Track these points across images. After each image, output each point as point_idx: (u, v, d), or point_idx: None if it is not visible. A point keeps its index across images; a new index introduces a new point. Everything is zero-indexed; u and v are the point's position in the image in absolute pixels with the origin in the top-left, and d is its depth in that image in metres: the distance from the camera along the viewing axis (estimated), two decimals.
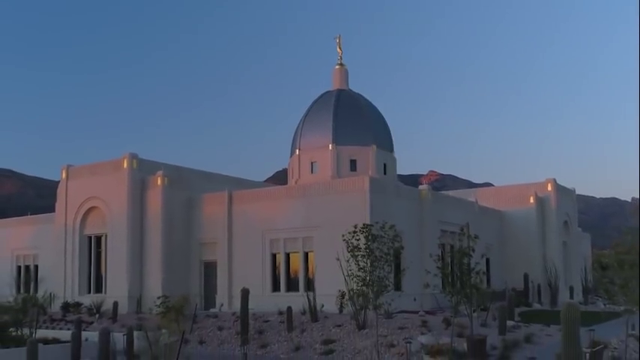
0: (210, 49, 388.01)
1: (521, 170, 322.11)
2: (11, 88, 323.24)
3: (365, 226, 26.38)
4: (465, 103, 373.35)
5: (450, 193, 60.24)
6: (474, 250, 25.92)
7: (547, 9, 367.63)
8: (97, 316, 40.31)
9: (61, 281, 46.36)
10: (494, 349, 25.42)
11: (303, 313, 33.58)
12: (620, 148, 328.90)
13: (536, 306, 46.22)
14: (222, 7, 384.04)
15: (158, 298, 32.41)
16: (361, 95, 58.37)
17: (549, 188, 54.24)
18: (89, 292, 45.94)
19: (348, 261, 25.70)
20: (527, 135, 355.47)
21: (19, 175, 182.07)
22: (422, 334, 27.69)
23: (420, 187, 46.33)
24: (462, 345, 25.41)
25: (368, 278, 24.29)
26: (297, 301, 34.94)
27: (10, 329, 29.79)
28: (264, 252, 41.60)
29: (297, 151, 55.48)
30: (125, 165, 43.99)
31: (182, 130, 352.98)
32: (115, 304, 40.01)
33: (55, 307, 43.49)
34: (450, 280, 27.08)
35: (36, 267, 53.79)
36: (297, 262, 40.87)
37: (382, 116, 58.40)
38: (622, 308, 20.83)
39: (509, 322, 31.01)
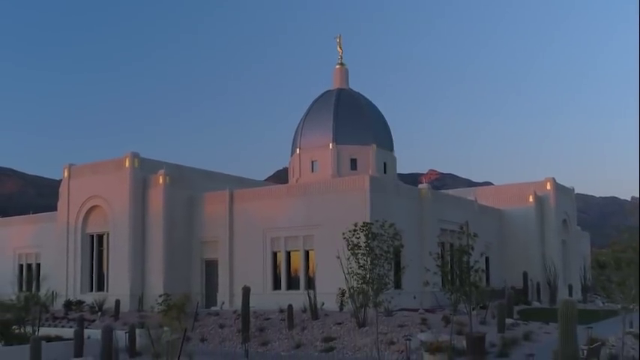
0: (211, 48, 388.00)
1: (521, 169, 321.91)
2: (12, 87, 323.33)
3: (365, 224, 26.56)
4: (465, 102, 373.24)
5: (450, 191, 60.43)
6: (473, 249, 26.14)
7: (546, 8, 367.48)
8: (99, 314, 40.55)
9: (63, 279, 46.54)
10: (493, 347, 25.62)
11: (304, 310, 33.80)
12: (619, 147, 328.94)
13: (536, 304, 46.42)
14: (222, 7, 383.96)
15: (160, 296, 32.67)
16: (361, 94, 58.51)
17: (548, 187, 54.44)
18: (91, 290, 46.07)
19: (348, 259, 25.90)
20: (527, 134, 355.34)
21: (20, 174, 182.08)
22: (421, 331, 27.87)
23: (420, 185, 46.51)
24: (462, 342, 25.64)
25: (368, 276, 24.48)
26: (297, 299, 35.22)
27: (14, 327, 30.06)
28: (265, 250, 41.78)
29: (298, 150, 55.64)
30: (127, 164, 44.13)
31: (183, 129, 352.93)
32: (117, 302, 40.26)
33: (58, 305, 43.75)
34: (449, 278, 27.33)
35: (38, 265, 53.87)
36: (297, 260, 41.04)
37: (382, 115, 58.56)
38: (619, 306, 21.02)
39: (508, 320, 31.16)
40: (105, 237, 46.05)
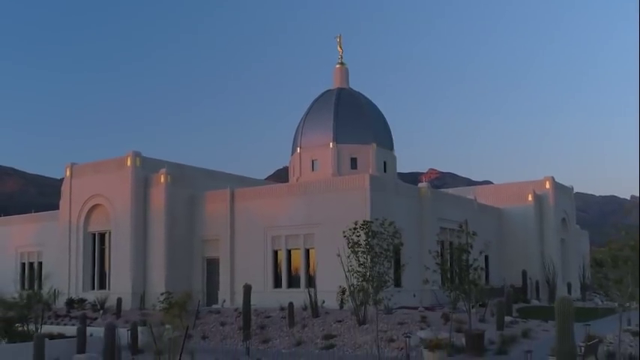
0: (212, 48, 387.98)
1: (520, 168, 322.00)
2: (13, 86, 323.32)
3: (365, 222, 26.78)
4: (465, 101, 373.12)
5: (450, 190, 60.63)
6: (472, 247, 26.44)
7: (545, 7, 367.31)
8: (101, 312, 40.70)
9: (65, 278, 46.74)
10: (492, 344, 25.83)
11: (305, 308, 34.05)
12: (619, 146, 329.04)
13: (535, 302, 46.61)
14: (223, 7, 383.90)
15: (161, 294, 32.93)
16: (361, 94, 58.68)
17: (547, 186, 54.71)
18: (93, 288, 46.29)
19: (348, 257, 26.12)
20: (527, 133, 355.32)
21: (21, 173, 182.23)
22: (421, 329, 27.97)
23: (420, 184, 46.71)
24: (461, 340, 25.90)
25: (368, 274, 24.70)
26: (298, 297, 35.46)
27: (17, 325, 30.26)
28: (266, 249, 42.00)
29: (298, 149, 55.84)
30: (129, 163, 44.36)
31: (184, 128, 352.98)
32: (119, 300, 40.46)
33: (60, 304, 43.97)
34: (448, 276, 27.62)
35: (40, 264, 54.07)
36: (298, 258, 41.26)
37: (382, 115, 58.75)
38: (616, 304, 21.24)
39: (507, 318, 31.34)
40: (107, 235, 46.28)
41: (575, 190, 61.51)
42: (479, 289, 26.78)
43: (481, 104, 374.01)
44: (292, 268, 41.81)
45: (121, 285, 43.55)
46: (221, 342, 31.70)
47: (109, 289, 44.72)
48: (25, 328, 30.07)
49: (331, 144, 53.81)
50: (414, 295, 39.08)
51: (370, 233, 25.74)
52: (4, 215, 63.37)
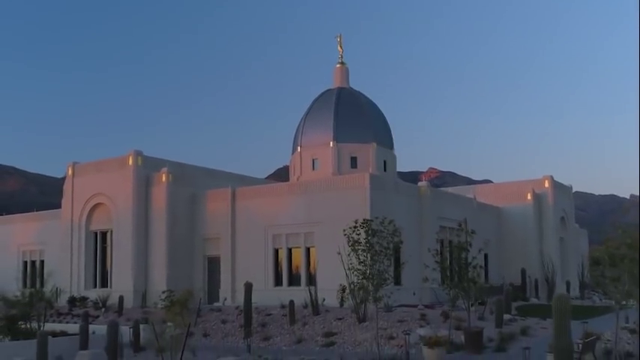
0: (213, 47, 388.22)
1: (520, 167, 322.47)
2: (14, 86, 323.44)
3: (365, 221, 27.00)
4: (465, 100, 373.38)
5: (449, 189, 60.86)
6: (471, 245, 26.67)
7: (545, 7, 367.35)
8: (103, 310, 40.91)
9: (67, 276, 46.92)
10: (490, 341, 26.00)
11: (305, 306, 34.24)
12: (618, 145, 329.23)
13: (534, 300, 46.83)
14: (223, 6, 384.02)
15: (163, 292, 33.10)
16: (362, 93, 58.85)
17: (546, 185, 54.94)
18: (95, 286, 46.52)
19: (349, 255, 26.34)
20: (527, 132, 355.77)
21: (22, 172, 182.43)
22: (420, 326, 28.17)
23: (419, 183, 46.94)
24: (460, 337, 26.13)
25: (368, 272, 24.90)
26: (298, 295, 35.63)
27: (19, 322, 30.51)
28: (267, 247, 42.21)
29: (299, 148, 56.03)
30: (130, 162, 44.60)
31: (185, 128, 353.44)
32: (121, 298, 40.65)
33: (62, 302, 44.11)
34: (448, 274, 27.84)
35: (42, 262, 54.20)
36: (298, 257, 41.49)
37: (382, 114, 58.92)
38: (614, 302, 21.44)
39: (506, 316, 31.56)
40: (108, 234, 46.51)
41: (575, 190, 61.74)
42: (478, 287, 26.97)
43: (481, 103, 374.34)
44: (293, 266, 42.02)
45: (122, 283, 43.78)
46: (222, 339, 31.86)
47: (110, 287, 44.97)
48: (28, 326, 30.33)
49: (331, 143, 54.01)
50: (414, 293, 39.31)
51: (370, 232, 25.93)
52: (5, 214, 63.56)
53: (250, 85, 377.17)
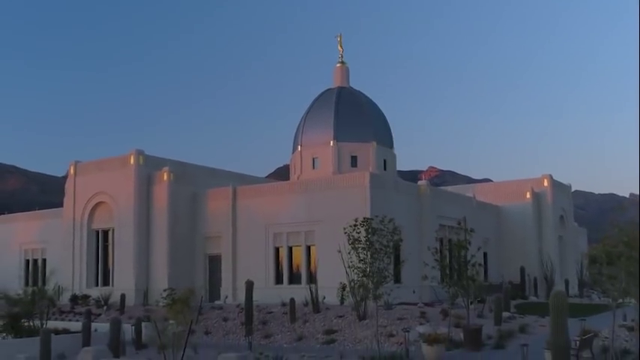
0: (214, 47, 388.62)
1: (520, 166, 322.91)
2: (14, 85, 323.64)
3: (365, 219, 27.24)
4: (464, 100, 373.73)
5: (449, 188, 61.11)
6: (470, 243, 26.91)
7: (544, 6, 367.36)
8: (105, 308, 41.10)
9: (69, 274, 47.05)
10: (489, 339, 26.17)
11: (306, 304, 34.40)
12: (618, 144, 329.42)
13: (533, 299, 47.03)
14: (224, 6, 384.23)
15: (164, 290, 33.27)
16: (362, 93, 59.04)
17: (545, 184, 55.10)
18: (97, 284, 46.69)
19: (349, 253, 26.58)
20: (527, 131, 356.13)
21: (23, 170, 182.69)
22: (420, 324, 28.31)
23: (419, 182, 47.16)
24: (459, 335, 26.36)
25: (368, 269, 25.16)
26: (299, 293, 35.77)
27: (22, 320, 30.79)
28: (268, 245, 42.43)
29: (299, 147, 56.24)
30: (132, 161, 44.78)
31: (186, 127, 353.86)
32: (123, 297, 40.91)
33: (64, 300, 44.31)
34: (447, 272, 28.07)
35: (44, 261, 54.41)
36: (299, 255, 41.69)
37: (382, 113, 59.13)
38: (609, 300, 21.64)
39: (505, 314, 31.67)
40: (110, 233, 46.67)
41: (575, 188, 61.95)
42: (477, 285, 27.18)
43: (481, 103, 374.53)
44: (293, 264, 42.22)
45: (124, 281, 43.98)
46: (224, 337, 32.11)
47: (112, 285, 45.14)
48: (31, 324, 30.63)
49: (332, 142, 54.24)
50: (414, 291, 39.50)
51: (370, 230, 26.18)
52: (5, 213, 63.74)
53: (251, 84, 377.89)
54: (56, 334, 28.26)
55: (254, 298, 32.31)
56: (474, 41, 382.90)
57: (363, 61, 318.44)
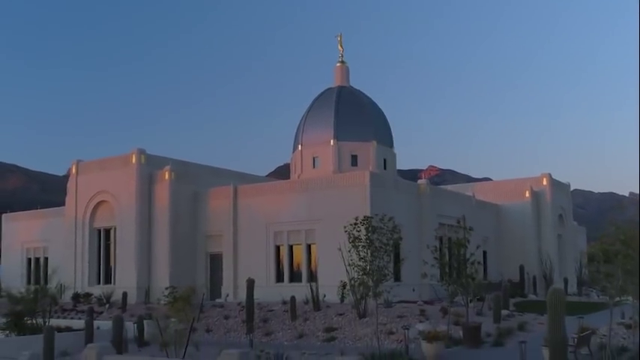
0: (214, 46, 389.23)
1: (520, 165, 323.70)
2: (16, 84, 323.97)
3: (366, 218, 27.48)
4: (464, 99, 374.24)
5: (449, 187, 61.27)
6: (469, 242, 27.16)
7: (543, 6, 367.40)
8: (107, 305, 41.34)
9: (71, 273, 47.32)
10: (488, 336, 26.43)
11: (306, 302, 34.62)
12: (618, 142, 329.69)
13: (532, 297, 47.18)
14: (225, 6, 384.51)
15: (166, 288, 33.49)
16: (362, 92, 59.23)
17: (544, 183, 55.24)
18: (99, 283, 46.94)
19: (349, 251, 26.81)
20: (527, 130, 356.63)
21: (24, 169, 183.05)
22: (420, 322, 28.53)
23: (419, 181, 47.37)
24: (458, 332, 26.60)
25: (368, 267, 25.37)
26: (300, 291, 36.02)
27: (25, 318, 31.06)
28: (268, 244, 42.64)
29: (300, 146, 56.44)
30: (133, 160, 44.98)
31: (187, 126, 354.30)
32: (124, 295, 41.08)
33: (66, 298, 44.64)
34: (447, 270, 28.31)
35: (46, 259, 54.62)
36: (299, 253, 41.89)
37: (382, 112, 59.32)
38: (607, 298, 21.86)
39: (504, 312, 31.86)
40: (112, 231, 46.91)
41: (575, 187, 62.24)
42: (476, 284, 27.41)
43: (480, 102, 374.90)
44: (294, 263, 42.44)
45: (126, 280, 44.20)
46: (225, 335, 32.36)
47: (114, 283, 45.36)
48: (34, 322, 30.89)
49: (332, 141, 54.45)
50: (413, 290, 39.69)
51: (370, 228, 26.39)
52: (6, 212, 63.96)
53: (251, 83, 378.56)
54: (59, 332, 28.42)
55: (255, 296, 32.47)
56: (474, 41, 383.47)
57: (363, 61, 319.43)
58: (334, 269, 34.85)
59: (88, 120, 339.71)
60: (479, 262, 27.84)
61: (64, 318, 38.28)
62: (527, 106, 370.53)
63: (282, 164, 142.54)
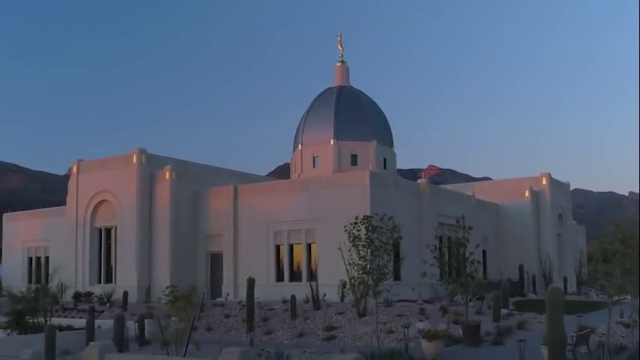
0: (215, 46, 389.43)
1: (519, 165, 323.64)
2: (16, 84, 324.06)
3: (366, 217, 27.58)
4: (464, 99, 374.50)
5: (448, 186, 61.36)
6: (468, 241, 27.28)
7: (543, 5, 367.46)
8: (108, 305, 41.46)
9: (72, 272, 47.44)
10: (488, 335, 26.51)
11: (306, 301, 34.75)
12: (617, 142, 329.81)
13: (531, 296, 47.25)
14: (225, 5, 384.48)
15: (167, 287, 33.63)
16: (362, 92, 59.35)
17: (544, 182, 55.34)
18: (100, 282, 47.05)
19: (349, 250, 26.92)
20: (526, 130, 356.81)
21: (24, 169, 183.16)
22: (419, 320, 28.61)
23: (419, 181, 47.51)
24: (458, 331, 26.71)
25: (368, 266, 25.48)
26: (300, 290, 36.11)
27: (26, 317, 31.19)
28: (269, 243, 42.74)
29: (300, 146, 56.55)
30: (134, 160, 45.07)
31: (188, 126, 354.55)
32: (125, 294, 41.18)
33: (67, 297, 44.74)
34: (446, 269, 28.44)
35: (47, 258, 54.77)
36: (300, 253, 41.99)
37: (382, 112, 59.44)
38: (606, 297, 21.96)
39: (504, 311, 31.91)
40: (113, 231, 47.02)
41: (574, 187, 62.34)
42: (476, 283, 27.53)
43: (480, 102, 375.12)
44: (294, 262, 42.53)
45: (127, 279, 44.31)
46: (225, 334, 32.43)
47: (115, 282, 45.45)
48: (35, 321, 31.02)
49: (332, 141, 54.57)
50: (413, 289, 39.77)
51: (370, 228, 26.48)
52: (7, 211, 64.11)
53: (252, 83, 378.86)
54: (60, 331, 28.52)
55: (255, 296, 32.54)
56: (473, 41, 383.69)
57: (363, 61, 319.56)
58: (334, 268, 34.93)
59: (88, 119, 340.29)
60: (478, 262, 27.97)
61: (65, 317, 38.30)
62: (527, 105, 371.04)
63: (282, 164, 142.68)
